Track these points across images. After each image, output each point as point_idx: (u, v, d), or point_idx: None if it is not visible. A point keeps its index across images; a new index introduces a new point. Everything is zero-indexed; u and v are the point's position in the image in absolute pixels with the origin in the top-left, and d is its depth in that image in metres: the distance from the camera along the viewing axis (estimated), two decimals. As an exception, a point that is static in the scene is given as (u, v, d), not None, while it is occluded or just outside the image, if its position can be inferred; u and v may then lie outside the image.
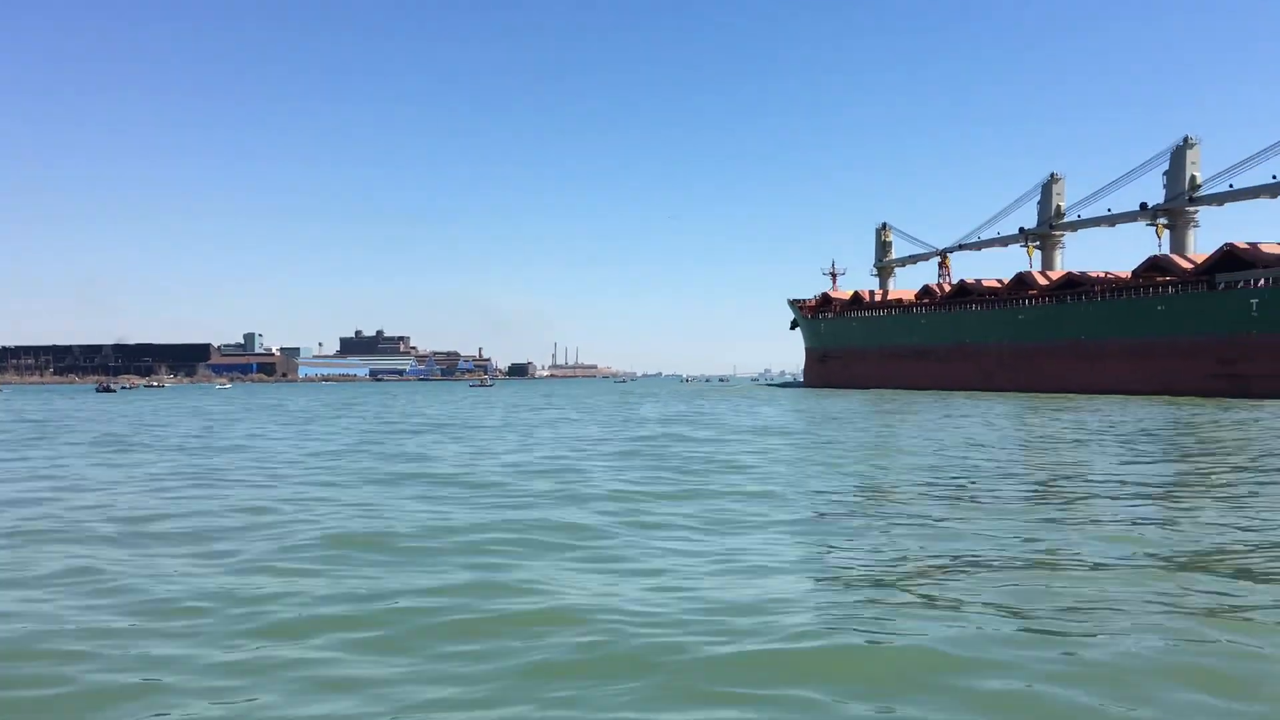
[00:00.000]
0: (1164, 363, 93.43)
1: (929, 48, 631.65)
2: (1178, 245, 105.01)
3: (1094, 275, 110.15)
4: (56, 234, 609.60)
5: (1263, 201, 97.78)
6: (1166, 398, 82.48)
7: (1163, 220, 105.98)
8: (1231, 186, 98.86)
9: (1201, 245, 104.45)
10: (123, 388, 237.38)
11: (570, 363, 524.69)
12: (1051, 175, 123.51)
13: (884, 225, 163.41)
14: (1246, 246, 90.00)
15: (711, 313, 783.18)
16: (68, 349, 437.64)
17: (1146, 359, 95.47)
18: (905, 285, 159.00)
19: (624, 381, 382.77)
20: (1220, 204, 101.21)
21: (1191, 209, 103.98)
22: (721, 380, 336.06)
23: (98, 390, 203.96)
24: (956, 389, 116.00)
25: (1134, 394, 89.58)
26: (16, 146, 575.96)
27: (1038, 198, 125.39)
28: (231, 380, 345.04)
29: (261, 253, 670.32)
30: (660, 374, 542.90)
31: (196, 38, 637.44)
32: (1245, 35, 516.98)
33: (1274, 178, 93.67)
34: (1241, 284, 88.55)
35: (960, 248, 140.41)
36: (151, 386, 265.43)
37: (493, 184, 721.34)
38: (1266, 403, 69.88)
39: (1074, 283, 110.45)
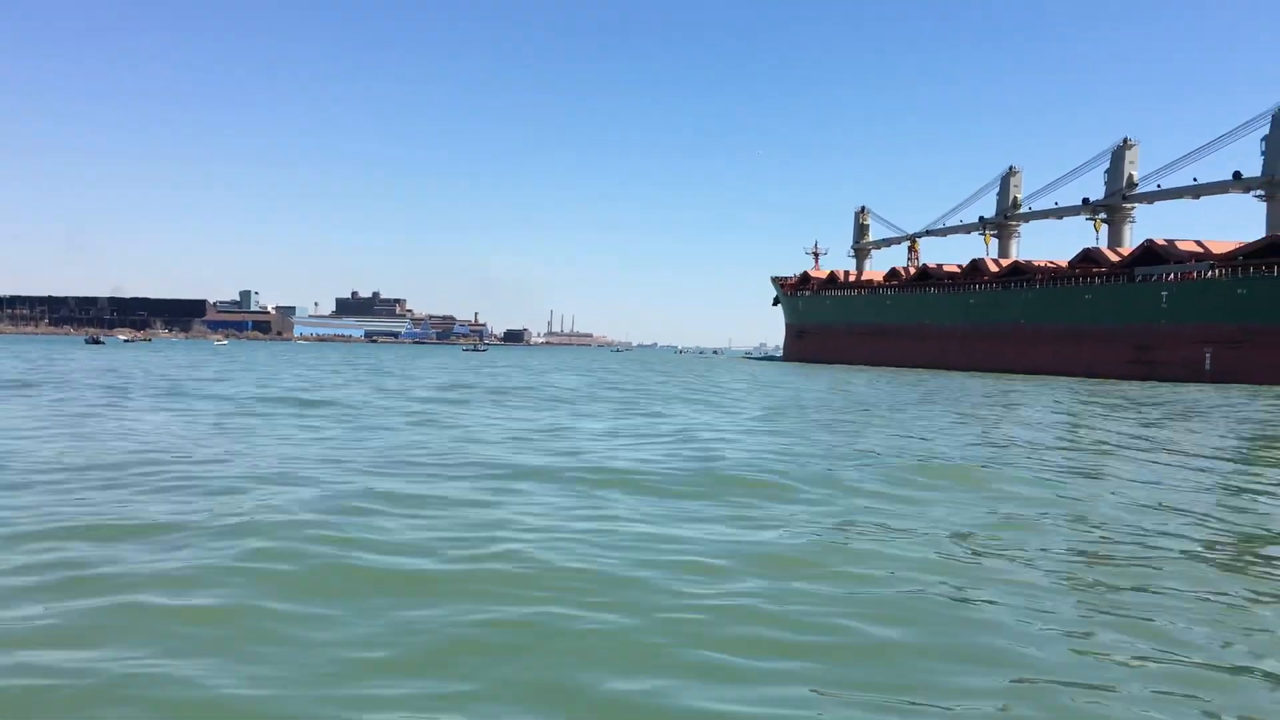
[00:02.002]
0: (1090, 347, 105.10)
1: (916, 38, 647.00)
2: (1115, 239, 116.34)
3: (1038, 264, 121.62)
4: (50, 181, 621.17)
5: (1225, 198, 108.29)
6: (1084, 379, 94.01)
7: (1101, 215, 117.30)
8: (1159, 187, 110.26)
9: (1140, 239, 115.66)
10: (114, 340, 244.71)
11: (566, 330, 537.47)
12: (1010, 168, 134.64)
13: (863, 209, 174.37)
14: (1164, 243, 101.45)
15: (708, 285, 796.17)
16: (63, 300, 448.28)
17: (1076, 344, 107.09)
18: (881, 266, 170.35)
19: (620, 350, 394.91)
20: (1150, 202, 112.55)
21: (1127, 205, 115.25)
22: (715, 352, 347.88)
23: (87, 342, 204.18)
24: (916, 366, 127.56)
25: (1064, 375, 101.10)
26: (9, 90, 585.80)
27: (997, 189, 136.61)
28: (227, 337, 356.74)
29: (258, 208, 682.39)
30: (655, 344, 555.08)
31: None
32: (1187, 41, 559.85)
33: (1194, 180, 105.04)
34: (1156, 278, 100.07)
35: (928, 233, 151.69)
36: (133, 340, 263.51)
37: (493, 151, 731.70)
38: (1164, 385, 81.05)
39: (1019, 270, 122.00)
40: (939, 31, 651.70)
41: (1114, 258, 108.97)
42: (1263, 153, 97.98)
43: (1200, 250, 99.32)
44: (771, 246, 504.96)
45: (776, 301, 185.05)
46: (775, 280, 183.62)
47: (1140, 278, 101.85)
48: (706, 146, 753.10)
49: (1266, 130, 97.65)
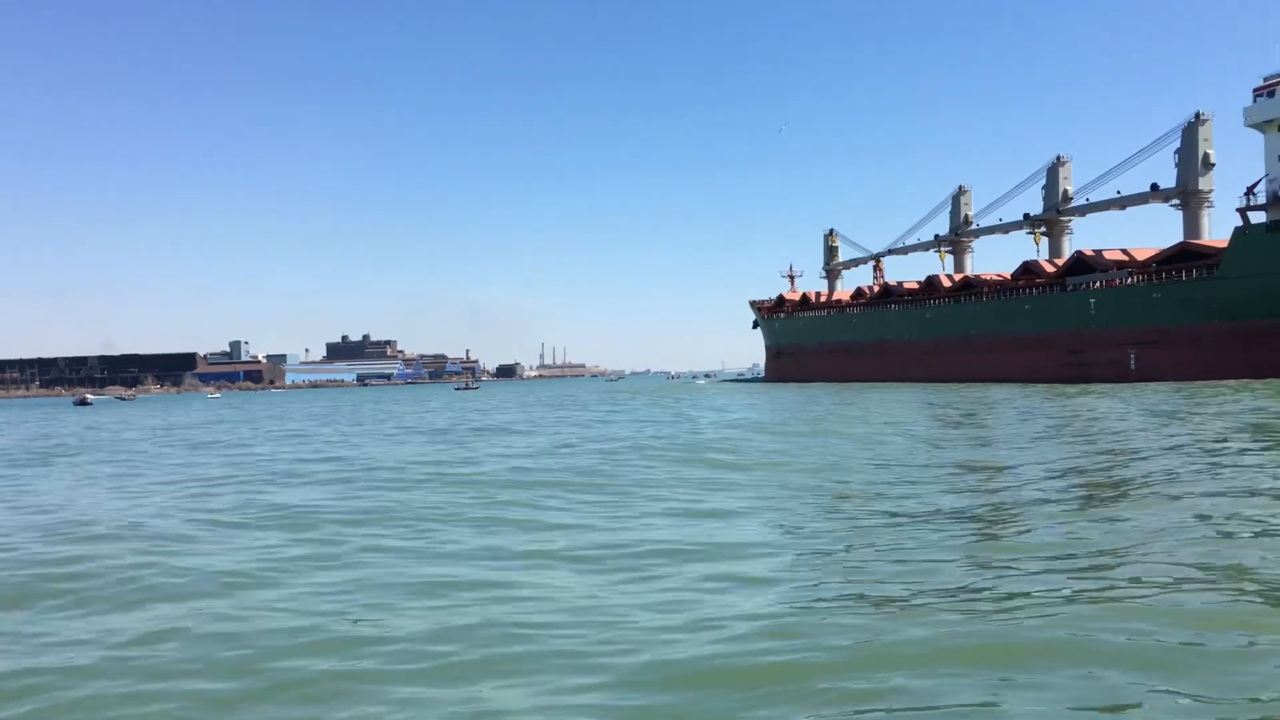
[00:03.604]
0: (1030, 354, 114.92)
1: (878, 56, 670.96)
2: (1054, 250, 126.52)
3: (986, 278, 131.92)
4: (36, 242, 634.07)
5: (1152, 207, 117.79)
6: (1020, 384, 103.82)
7: (1041, 229, 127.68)
8: (1088, 200, 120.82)
9: (1079, 249, 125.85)
10: (102, 399, 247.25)
11: (558, 362, 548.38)
12: (960, 187, 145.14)
13: (831, 231, 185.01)
14: (1092, 253, 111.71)
15: (699, 310, 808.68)
16: (53, 361, 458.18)
17: (1018, 351, 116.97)
18: (853, 285, 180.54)
19: (614, 380, 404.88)
20: (1083, 215, 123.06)
21: (1064, 218, 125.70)
22: (707, 376, 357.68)
23: (75, 404, 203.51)
24: (879, 380, 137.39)
25: (1010, 382, 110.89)
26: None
27: (949, 207, 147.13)
28: (219, 389, 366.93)
29: (245, 259, 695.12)
30: (649, 371, 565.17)
31: (179, 38, 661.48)
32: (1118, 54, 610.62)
33: (1118, 193, 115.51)
34: (1084, 286, 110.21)
35: (890, 252, 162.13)
36: (122, 400, 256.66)
37: (477, 185, 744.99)
38: (1095, 386, 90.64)
39: (969, 285, 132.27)
40: (897, 49, 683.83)
41: (1050, 269, 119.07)
42: (1176, 165, 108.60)
43: (1126, 259, 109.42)
44: (756, 269, 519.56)
45: (756, 325, 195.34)
46: (753, 304, 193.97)
47: (1070, 287, 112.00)
48: (690, 170, 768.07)
49: (1179, 144, 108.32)
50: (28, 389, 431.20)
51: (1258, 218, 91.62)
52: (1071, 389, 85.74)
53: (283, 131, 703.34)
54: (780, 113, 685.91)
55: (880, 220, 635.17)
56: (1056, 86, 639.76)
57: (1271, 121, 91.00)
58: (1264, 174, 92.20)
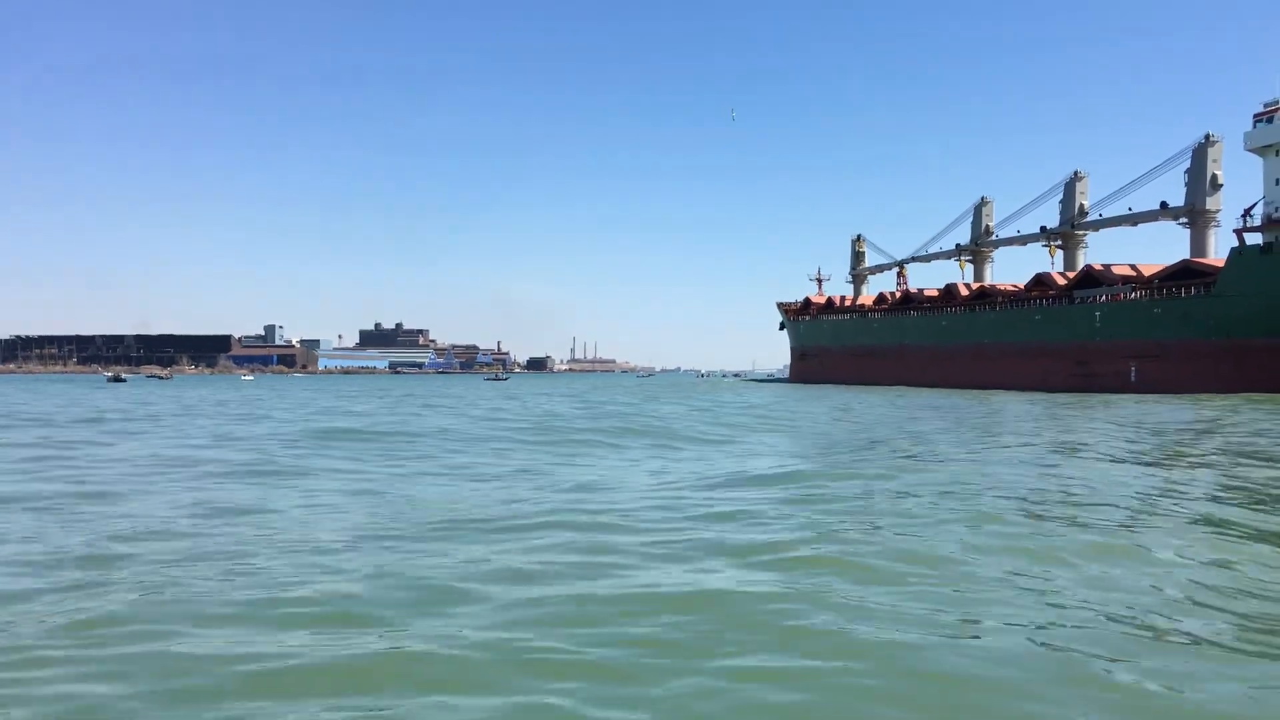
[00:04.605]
0: (1040, 363, 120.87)
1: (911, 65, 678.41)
2: (1069, 263, 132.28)
3: (1001, 287, 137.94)
4: (76, 221, 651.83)
5: (1165, 224, 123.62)
6: (1033, 393, 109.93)
7: (1057, 242, 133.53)
8: (1101, 215, 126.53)
9: (1095, 261, 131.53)
10: (136, 378, 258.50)
11: (589, 356, 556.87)
12: (982, 198, 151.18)
13: (859, 236, 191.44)
14: (1100, 268, 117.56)
15: (732, 309, 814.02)
16: (90, 339, 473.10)
17: (1030, 360, 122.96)
18: (879, 290, 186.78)
19: (645, 376, 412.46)
20: (1096, 229, 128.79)
21: (1079, 232, 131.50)
22: (736, 375, 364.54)
23: (109, 380, 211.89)
24: (898, 384, 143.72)
25: (1020, 390, 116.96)
26: (37, 133, 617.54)
27: (972, 217, 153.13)
28: (253, 372, 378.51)
29: (282, 243, 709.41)
30: (679, 369, 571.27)
31: (217, 25, 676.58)
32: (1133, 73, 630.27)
33: (1129, 209, 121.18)
34: (1091, 299, 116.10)
35: (914, 259, 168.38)
36: (161, 379, 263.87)
37: (514, 178, 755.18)
38: (1093, 396, 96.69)
39: (985, 294, 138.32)
40: (931, 63, 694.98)
41: (1061, 281, 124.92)
42: (1185, 184, 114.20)
43: (1133, 274, 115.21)
44: (787, 271, 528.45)
45: (782, 326, 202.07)
46: (780, 306, 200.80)
47: (1078, 299, 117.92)
48: (727, 173, 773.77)
49: (1189, 164, 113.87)
50: (65, 365, 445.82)
51: (1253, 239, 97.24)
52: (1063, 398, 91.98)
53: (324, 122, 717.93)
54: (820, 120, 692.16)
55: (907, 228, 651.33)
56: (1080, 103, 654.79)
57: (1270, 146, 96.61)
58: (1261, 197, 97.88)
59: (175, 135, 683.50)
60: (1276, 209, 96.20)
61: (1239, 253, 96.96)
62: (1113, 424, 48.92)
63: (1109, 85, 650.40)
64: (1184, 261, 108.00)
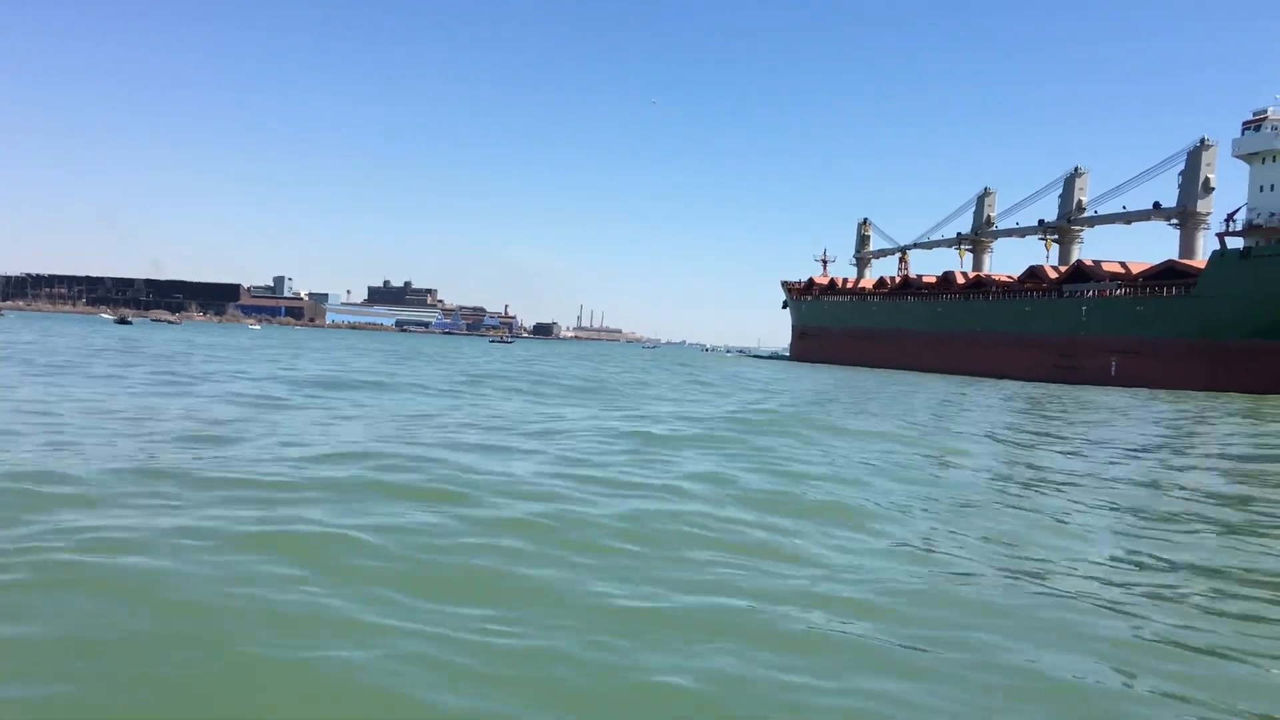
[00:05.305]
0: (1028, 353, 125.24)
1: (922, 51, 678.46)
2: (1065, 257, 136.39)
3: (996, 278, 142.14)
4: (87, 162, 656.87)
5: (1158, 223, 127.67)
6: (1012, 382, 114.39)
7: (1053, 236, 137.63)
8: (1096, 212, 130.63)
9: (1090, 256, 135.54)
10: (143, 321, 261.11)
11: (595, 325, 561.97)
12: (985, 189, 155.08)
13: (865, 220, 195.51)
14: (1090, 263, 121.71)
15: (739, 285, 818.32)
16: (100, 280, 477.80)
17: (1019, 350, 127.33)
18: (882, 273, 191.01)
19: (650, 347, 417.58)
20: (1091, 226, 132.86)
21: (1075, 228, 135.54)
22: (741, 351, 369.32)
23: (116, 322, 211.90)
24: (894, 367, 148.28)
25: (1008, 379, 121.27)
26: (51, 73, 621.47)
27: (974, 207, 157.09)
28: (260, 322, 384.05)
29: (294, 195, 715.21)
30: (684, 342, 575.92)
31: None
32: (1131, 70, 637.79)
33: (1124, 208, 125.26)
34: (1078, 294, 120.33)
35: (916, 245, 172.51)
36: (160, 322, 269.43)
37: (528, 144, 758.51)
38: (1074, 387, 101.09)
39: (980, 284, 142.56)
40: (943, 50, 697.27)
41: (1053, 274, 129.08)
42: (1179, 185, 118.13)
43: (1122, 270, 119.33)
44: (795, 250, 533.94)
45: (785, 304, 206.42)
46: (784, 285, 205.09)
47: (1067, 294, 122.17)
48: (741, 153, 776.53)
49: (1184, 165, 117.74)
50: (74, 305, 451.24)
51: (1235, 243, 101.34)
52: (1034, 390, 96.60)
53: (341, 75, 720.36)
54: (833, 100, 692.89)
55: (912, 213, 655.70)
56: (1083, 100, 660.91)
57: (1256, 154, 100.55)
58: (1245, 202, 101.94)
59: (189, 81, 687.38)
60: (1258, 214, 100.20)
61: (1220, 255, 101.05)
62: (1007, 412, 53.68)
63: (1120, 81, 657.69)
64: (1169, 262, 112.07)
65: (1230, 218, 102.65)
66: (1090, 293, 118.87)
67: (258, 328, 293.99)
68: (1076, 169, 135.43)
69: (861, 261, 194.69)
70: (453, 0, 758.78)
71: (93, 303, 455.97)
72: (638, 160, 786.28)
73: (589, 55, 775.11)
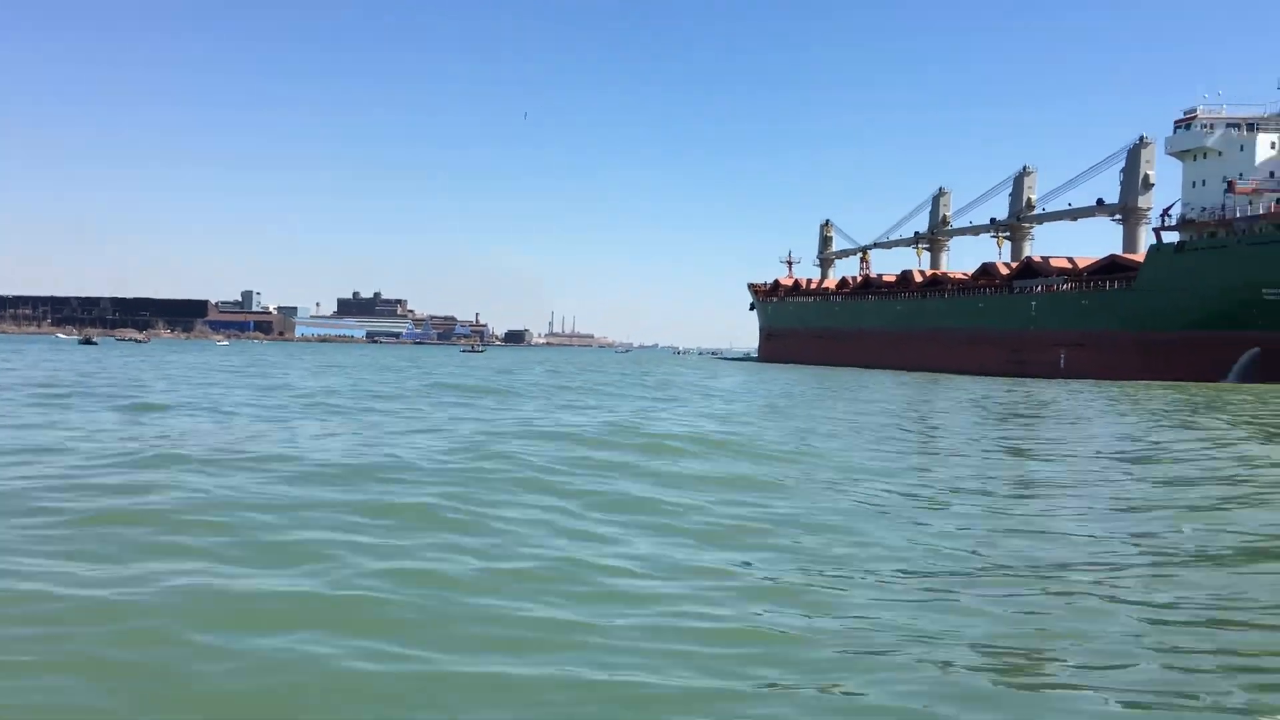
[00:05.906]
0: (982, 349, 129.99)
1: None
2: (1016, 253, 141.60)
3: (951, 275, 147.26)
4: (52, 181, 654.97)
5: (1103, 219, 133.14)
6: (971, 376, 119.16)
7: (1004, 233, 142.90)
8: (1044, 210, 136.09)
9: (1041, 253, 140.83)
10: (108, 340, 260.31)
11: (567, 331, 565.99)
12: (940, 189, 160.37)
13: (827, 222, 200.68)
14: (1040, 260, 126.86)
15: (710, 287, 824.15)
16: (65, 300, 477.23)
17: (972, 346, 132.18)
18: (845, 273, 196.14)
19: (623, 351, 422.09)
20: (1040, 223, 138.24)
21: (1025, 225, 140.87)
22: (713, 354, 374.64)
23: (80, 343, 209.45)
24: (855, 366, 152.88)
25: (964, 374, 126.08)
26: (13, 87, 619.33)
27: (930, 207, 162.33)
28: (229, 338, 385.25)
29: (260, 209, 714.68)
30: (656, 345, 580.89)
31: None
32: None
33: (1069, 205, 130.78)
34: (1029, 289, 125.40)
35: (876, 245, 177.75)
36: (126, 341, 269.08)
37: (494, 150, 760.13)
38: (1028, 380, 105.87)
39: (936, 282, 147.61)
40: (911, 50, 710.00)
41: (1004, 271, 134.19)
42: (1121, 182, 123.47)
43: (1070, 266, 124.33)
44: (764, 252, 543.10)
45: (752, 307, 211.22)
46: (751, 287, 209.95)
47: (1017, 290, 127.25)
48: (707, 154, 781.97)
49: (1124, 163, 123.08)
50: (39, 326, 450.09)
51: (1170, 238, 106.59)
52: (986, 384, 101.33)
53: (304, 86, 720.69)
54: (795, 102, 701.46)
55: (873, 214, 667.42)
56: (1035, 95, 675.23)
57: (1188, 151, 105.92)
58: (1178, 198, 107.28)
59: (152, 95, 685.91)
60: (1192, 209, 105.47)
61: (1156, 250, 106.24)
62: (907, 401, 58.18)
63: (1067, 75, 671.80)
64: (1111, 256, 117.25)
65: (1166, 213, 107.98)
66: (1039, 288, 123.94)
67: (226, 344, 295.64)
68: (1025, 168, 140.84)
69: (825, 262, 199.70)
70: (413, 7, 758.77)
71: (58, 323, 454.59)
72: (606, 166, 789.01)
73: (554, 59, 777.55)
